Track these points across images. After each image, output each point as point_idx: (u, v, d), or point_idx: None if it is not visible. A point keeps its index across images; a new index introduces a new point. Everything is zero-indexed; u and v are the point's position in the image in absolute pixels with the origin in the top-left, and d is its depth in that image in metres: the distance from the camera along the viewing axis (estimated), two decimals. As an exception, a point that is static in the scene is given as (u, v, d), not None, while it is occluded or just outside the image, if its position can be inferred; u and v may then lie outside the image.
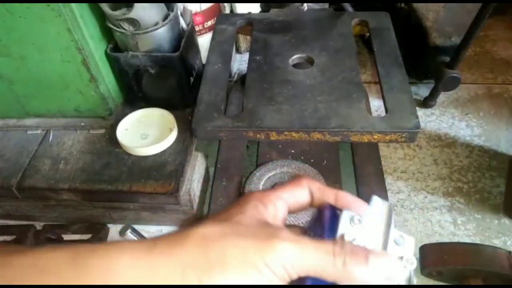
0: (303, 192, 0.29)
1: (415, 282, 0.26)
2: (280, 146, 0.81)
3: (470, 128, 0.97)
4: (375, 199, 0.28)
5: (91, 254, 0.23)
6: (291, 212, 0.30)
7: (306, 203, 0.30)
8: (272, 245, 0.23)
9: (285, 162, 0.76)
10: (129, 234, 0.57)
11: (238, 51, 1.18)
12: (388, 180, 0.87)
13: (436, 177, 0.87)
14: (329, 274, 0.24)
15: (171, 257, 0.23)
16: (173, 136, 0.78)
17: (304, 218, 0.66)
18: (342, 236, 0.26)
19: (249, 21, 0.82)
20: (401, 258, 0.25)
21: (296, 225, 0.32)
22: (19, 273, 0.22)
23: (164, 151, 0.76)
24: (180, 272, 0.23)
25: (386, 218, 0.27)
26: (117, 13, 0.69)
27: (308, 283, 0.24)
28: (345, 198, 0.29)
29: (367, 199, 0.29)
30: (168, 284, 0.22)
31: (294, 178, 0.30)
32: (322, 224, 0.28)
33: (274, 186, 0.73)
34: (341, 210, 0.28)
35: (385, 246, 0.26)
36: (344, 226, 0.26)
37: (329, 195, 0.29)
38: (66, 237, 0.77)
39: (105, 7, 0.69)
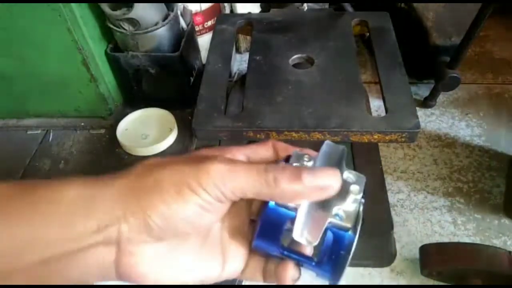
0: (265, 150, 0.30)
1: (361, 214, 0.26)
2: (280, 146, 0.81)
3: (470, 128, 0.97)
4: (327, 142, 0.28)
5: (40, 185, 0.24)
6: None
7: (269, 160, 0.30)
8: (205, 166, 0.24)
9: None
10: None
11: (238, 51, 1.18)
12: (388, 180, 0.87)
13: (436, 177, 0.87)
14: (263, 193, 0.24)
15: (113, 187, 0.24)
16: (173, 136, 0.78)
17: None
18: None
19: (249, 21, 0.82)
20: (348, 192, 0.26)
21: None
22: None
23: (164, 151, 0.76)
24: (121, 198, 0.23)
25: (337, 158, 0.28)
26: (117, 13, 0.70)
27: (267, 210, 0.25)
28: (308, 150, 0.29)
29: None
30: (106, 208, 0.23)
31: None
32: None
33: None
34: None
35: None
36: (292, 162, 0.27)
37: (290, 148, 0.30)
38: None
39: (105, 7, 0.69)
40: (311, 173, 0.24)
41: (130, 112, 0.81)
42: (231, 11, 1.05)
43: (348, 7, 0.82)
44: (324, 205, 0.25)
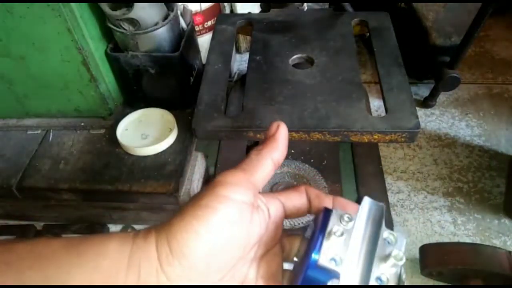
0: (299, 197, 0.30)
1: (404, 278, 0.26)
2: (280, 146, 0.81)
3: (470, 128, 0.97)
4: (366, 199, 0.28)
5: (83, 241, 0.25)
6: (289, 216, 0.30)
7: (303, 208, 0.30)
8: (215, 184, 0.26)
9: (285, 162, 0.76)
10: (129, 234, 0.57)
11: (238, 51, 1.18)
12: (388, 180, 0.87)
13: (436, 177, 0.87)
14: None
15: (150, 243, 0.24)
16: (173, 136, 0.78)
17: (303, 220, 0.66)
18: (331, 231, 0.26)
19: (249, 21, 0.82)
20: (389, 255, 0.26)
21: (297, 234, 0.32)
22: (16, 257, 0.23)
23: (164, 151, 0.76)
24: (158, 250, 0.24)
25: (377, 217, 0.28)
26: (117, 13, 0.70)
27: (308, 271, 0.25)
28: (341, 202, 0.30)
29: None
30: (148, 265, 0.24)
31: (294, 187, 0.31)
32: (315, 226, 0.28)
33: (274, 186, 0.73)
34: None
35: (374, 244, 0.26)
36: (333, 223, 0.27)
37: (327, 201, 0.30)
38: (66, 237, 0.77)
39: (105, 7, 0.69)
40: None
41: (130, 112, 0.81)
42: (231, 11, 1.05)
43: (348, 7, 0.82)
44: (366, 268, 0.25)
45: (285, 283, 0.30)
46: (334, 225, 0.27)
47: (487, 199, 0.83)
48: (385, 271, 0.26)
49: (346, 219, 0.27)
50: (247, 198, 0.26)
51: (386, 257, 0.26)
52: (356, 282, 0.25)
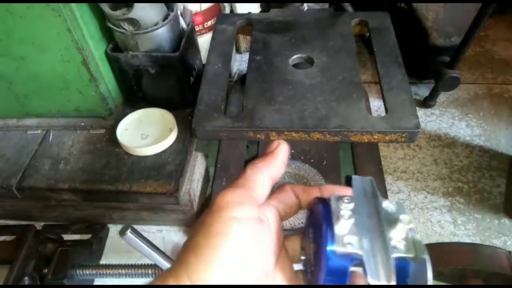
0: (288, 196, 0.31)
1: (419, 239, 0.26)
2: (280, 146, 0.81)
3: (470, 128, 0.97)
4: (355, 177, 0.28)
5: None
6: (284, 218, 0.30)
7: (294, 206, 0.31)
8: (215, 202, 0.25)
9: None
10: (129, 234, 0.57)
11: (238, 51, 1.18)
12: (388, 180, 0.87)
13: (436, 177, 0.87)
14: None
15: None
16: (173, 136, 0.78)
17: (299, 216, 0.66)
18: (338, 217, 0.26)
19: (249, 21, 0.82)
20: (396, 222, 0.26)
21: (295, 233, 0.32)
22: None
23: (164, 151, 0.76)
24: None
25: (371, 191, 0.28)
26: (117, 13, 0.69)
27: (327, 259, 0.25)
28: (329, 189, 0.30)
29: None
30: None
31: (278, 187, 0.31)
32: (317, 218, 0.28)
33: (274, 186, 0.73)
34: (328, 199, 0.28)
35: (379, 216, 0.26)
36: (337, 208, 0.27)
37: (314, 191, 0.30)
38: (66, 237, 0.77)
39: (105, 7, 0.69)
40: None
41: (130, 112, 0.81)
42: (231, 11, 1.05)
43: (348, 7, 0.82)
44: (382, 242, 0.26)
45: (302, 283, 0.29)
46: (338, 209, 0.27)
47: (487, 199, 0.83)
48: (398, 240, 0.26)
49: (346, 201, 0.27)
50: (253, 214, 0.26)
51: (394, 225, 0.26)
52: (379, 257, 0.25)
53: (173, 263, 0.25)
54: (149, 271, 0.68)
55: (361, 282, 0.26)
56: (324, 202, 0.28)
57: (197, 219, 0.28)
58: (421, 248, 0.26)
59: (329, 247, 0.25)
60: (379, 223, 0.26)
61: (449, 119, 0.99)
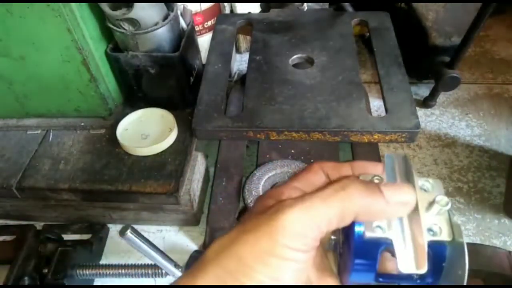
0: (317, 176, 0.28)
1: (456, 221, 0.25)
2: (280, 146, 0.81)
3: (470, 128, 0.97)
4: (387, 155, 0.27)
5: None
6: None
7: (323, 185, 0.28)
8: (275, 222, 0.22)
9: (285, 162, 0.76)
10: (129, 234, 0.57)
11: (238, 51, 1.18)
12: (388, 180, 0.87)
13: (436, 177, 0.87)
14: (348, 214, 0.22)
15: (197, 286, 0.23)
16: (173, 136, 0.78)
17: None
18: None
19: (249, 21, 0.82)
20: (432, 203, 0.24)
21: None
22: None
23: (164, 151, 0.76)
24: None
25: (405, 169, 0.26)
26: (117, 13, 0.70)
27: (355, 244, 0.23)
28: (361, 165, 0.28)
29: None
30: None
31: (305, 167, 0.29)
32: None
33: (274, 186, 0.73)
34: None
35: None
36: None
37: (345, 169, 0.28)
38: (66, 237, 0.77)
39: (105, 7, 0.69)
40: (390, 189, 0.23)
41: (130, 112, 0.81)
42: (231, 11, 1.05)
43: (348, 7, 0.82)
44: (414, 226, 0.24)
45: (332, 265, 0.28)
46: None
47: (487, 199, 0.83)
48: (434, 221, 0.24)
49: (376, 181, 0.25)
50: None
51: (429, 207, 0.24)
52: (409, 242, 0.23)
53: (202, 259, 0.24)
54: (149, 271, 0.68)
55: (390, 265, 0.25)
56: None
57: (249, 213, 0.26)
58: (459, 231, 0.24)
59: (357, 230, 0.24)
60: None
61: (449, 119, 0.99)
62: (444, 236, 0.24)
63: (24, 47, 0.71)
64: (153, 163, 0.75)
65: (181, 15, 0.82)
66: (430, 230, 0.24)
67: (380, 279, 0.25)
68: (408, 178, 0.25)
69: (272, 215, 0.22)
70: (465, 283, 0.23)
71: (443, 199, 0.24)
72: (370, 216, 0.23)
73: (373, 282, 0.25)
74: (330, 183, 0.24)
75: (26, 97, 0.80)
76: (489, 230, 0.78)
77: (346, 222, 0.23)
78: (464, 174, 0.87)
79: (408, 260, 0.23)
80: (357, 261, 0.24)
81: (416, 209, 0.24)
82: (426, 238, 0.23)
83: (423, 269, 0.23)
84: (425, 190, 0.25)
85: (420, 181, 0.25)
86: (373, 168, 0.27)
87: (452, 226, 0.24)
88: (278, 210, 0.22)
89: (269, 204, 0.25)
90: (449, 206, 0.24)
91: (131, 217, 0.79)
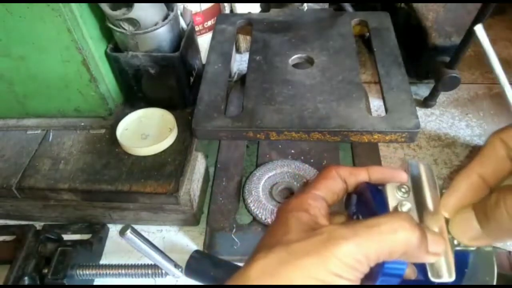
0: (336, 183, 0.29)
1: None
2: (280, 146, 0.81)
3: (470, 128, 0.97)
4: (411, 163, 0.27)
5: None
6: (331, 205, 0.29)
7: (342, 191, 0.29)
8: (329, 252, 0.22)
9: (285, 162, 0.76)
10: (129, 234, 0.57)
11: (238, 51, 1.18)
12: (388, 180, 0.87)
13: (436, 177, 0.87)
14: (395, 255, 0.23)
15: None
16: (173, 136, 0.78)
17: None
18: (396, 208, 0.25)
19: (249, 21, 0.82)
20: None
21: (340, 212, 0.31)
22: None
23: (164, 151, 0.76)
24: None
25: (429, 178, 0.26)
26: (117, 13, 0.70)
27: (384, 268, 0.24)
28: (379, 171, 0.28)
29: None
30: None
31: (321, 171, 0.29)
32: (368, 204, 0.27)
33: (274, 186, 0.73)
34: (381, 185, 0.27)
35: (437, 207, 0.25)
36: (393, 198, 0.25)
37: (362, 174, 0.28)
38: (66, 237, 0.77)
39: (105, 7, 0.69)
40: (431, 239, 0.24)
41: (130, 112, 0.81)
42: (231, 11, 1.05)
43: (348, 7, 0.82)
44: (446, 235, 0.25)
45: None
46: (397, 200, 0.25)
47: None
48: None
49: (403, 190, 0.25)
50: None
51: None
52: (443, 256, 0.24)
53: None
54: (149, 271, 0.68)
55: (408, 272, 0.25)
56: (376, 189, 0.27)
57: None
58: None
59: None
60: (438, 215, 0.25)
61: (449, 119, 0.99)
62: (467, 245, 0.24)
63: (24, 47, 0.71)
64: (153, 163, 0.75)
65: (181, 15, 0.82)
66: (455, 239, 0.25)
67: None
68: (433, 188, 0.26)
69: (326, 243, 0.23)
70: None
71: None
72: (407, 258, 0.24)
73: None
74: (383, 217, 0.24)
75: (26, 97, 0.80)
76: (489, 230, 0.78)
77: (390, 259, 0.24)
78: (464, 174, 0.87)
79: (440, 270, 0.24)
80: (387, 264, 0.24)
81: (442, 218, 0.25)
82: (453, 247, 0.24)
83: (453, 278, 0.23)
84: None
85: (444, 190, 0.26)
86: (392, 175, 0.28)
87: None
88: (332, 239, 0.23)
89: (304, 220, 0.26)
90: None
91: (131, 217, 0.79)
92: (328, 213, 0.28)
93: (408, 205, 0.25)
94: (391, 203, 0.25)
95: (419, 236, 0.23)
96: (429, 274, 0.24)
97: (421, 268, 0.25)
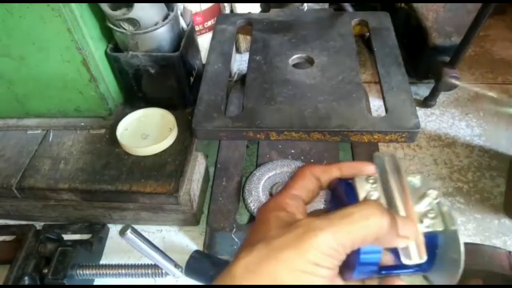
0: (310, 182, 0.30)
1: (446, 209, 0.27)
2: (280, 146, 0.81)
3: (470, 128, 0.97)
4: (376, 154, 0.29)
5: None
6: (308, 203, 0.30)
7: (316, 189, 0.31)
8: (307, 244, 0.24)
9: (285, 162, 0.76)
10: (129, 234, 0.57)
11: (238, 51, 1.18)
12: (388, 180, 0.87)
13: (436, 177, 0.87)
14: (368, 241, 0.25)
15: None
16: (173, 136, 0.78)
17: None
18: (365, 198, 0.26)
19: (249, 21, 0.82)
20: (423, 197, 0.26)
21: (318, 210, 0.33)
22: None
23: (164, 151, 0.76)
24: None
25: (395, 166, 0.28)
26: (117, 13, 0.70)
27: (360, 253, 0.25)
28: (350, 166, 0.30)
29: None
30: None
31: (296, 171, 0.31)
32: (341, 198, 0.28)
33: (274, 186, 0.73)
34: (351, 179, 0.28)
35: (405, 192, 0.27)
36: (362, 190, 0.27)
37: (334, 171, 0.30)
38: (66, 237, 0.77)
39: (105, 7, 0.69)
40: (401, 223, 0.25)
41: (130, 112, 0.81)
42: (231, 11, 1.05)
43: (348, 7, 0.82)
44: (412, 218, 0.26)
45: None
46: (366, 190, 0.27)
47: (487, 199, 0.83)
48: (426, 213, 0.26)
49: (371, 181, 0.27)
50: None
51: (420, 200, 0.26)
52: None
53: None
54: (149, 271, 0.68)
55: (385, 258, 0.27)
56: (347, 183, 0.28)
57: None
58: (451, 220, 0.26)
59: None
60: (405, 199, 0.26)
61: (449, 119, 0.99)
62: (436, 226, 0.26)
63: (24, 47, 0.71)
64: (153, 163, 0.75)
65: (181, 15, 0.82)
66: (422, 221, 0.26)
67: (383, 272, 0.27)
68: (398, 176, 0.27)
69: (303, 236, 0.24)
70: (461, 266, 0.25)
71: (432, 192, 0.27)
72: (380, 243, 0.26)
73: (376, 275, 0.27)
74: (354, 206, 0.25)
75: (26, 97, 0.80)
76: (489, 230, 0.78)
77: (364, 245, 0.25)
78: (464, 174, 0.87)
79: (411, 252, 0.25)
80: (362, 255, 0.25)
81: (409, 203, 0.26)
82: (422, 230, 0.26)
83: (424, 259, 0.25)
84: (414, 187, 0.28)
85: (409, 178, 0.28)
86: (362, 168, 0.30)
87: (443, 215, 0.26)
88: (308, 231, 0.24)
89: (283, 217, 0.27)
90: (440, 198, 0.27)
91: (131, 217, 0.79)
92: (306, 210, 0.29)
93: (376, 194, 0.27)
94: (361, 194, 0.27)
95: (389, 220, 0.24)
96: (402, 257, 0.25)
97: (397, 254, 0.27)
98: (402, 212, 0.26)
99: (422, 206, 0.26)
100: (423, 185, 0.28)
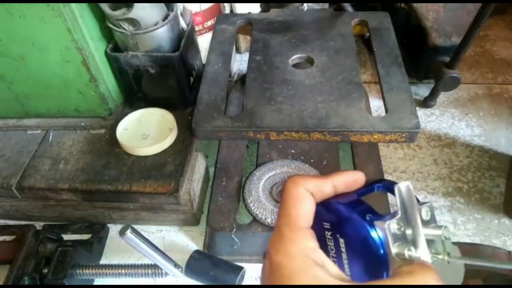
0: (312, 203, 0.29)
1: (449, 244, 0.27)
2: (280, 146, 0.81)
3: (470, 128, 0.97)
4: (399, 186, 0.27)
5: None
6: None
7: (314, 209, 0.29)
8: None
9: (285, 162, 0.76)
10: (129, 234, 0.57)
11: (238, 51, 1.18)
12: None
13: (436, 177, 0.87)
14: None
15: None
16: (173, 136, 0.78)
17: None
18: (401, 254, 0.26)
19: (249, 21, 0.82)
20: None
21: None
22: None
23: (164, 151, 0.76)
24: None
25: (412, 200, 0.27)
26: (117, 13, 0.70)
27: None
28: (343, 184, 0.30)
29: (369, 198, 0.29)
30: None
31: (289, 187, 0.29)
32: (348, 229, 0.28)
33: (274, 186, 0.73)
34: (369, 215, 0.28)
35: (419, 230, 0.26)
36: (392, 239, 0.26)
37: (327, 187, 0.29)
38: (66, 237, 0.77)
39: (105, 7, 0.69)
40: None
41: (130, 112, 0.81)
42: (231, 11, 1.05)
43: (348, 7, 0.82)
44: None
45: None
46: (395, 238, 0.26)
47: (487, 199, 0.83)
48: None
49: (397, 226, 0.27)
50: None
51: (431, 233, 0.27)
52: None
53: None
54: (149, 271, 0.68)
55: None
56: (352, 209, 0.28)
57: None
58: (454, 253, 0.26)
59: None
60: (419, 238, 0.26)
61: (449, 119, 0.99)
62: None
63: (24, 47, 0.71)
64: (153, 163, 0.75)
65: (181, 15, 0.82)
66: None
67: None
68: (415, 208, 0.27)
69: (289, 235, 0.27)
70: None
71: (446, 230, 0.27)
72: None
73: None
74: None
75: (26, 97, 0.80)
76: (489, 230, 0.78)
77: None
78: (464, 174, 0.87)
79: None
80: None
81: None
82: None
83: None
84: (423, 220, 0.27)
85: (422, 211, 0.27)
86: (355, 185, 0.30)
87: (445, 248, 0.27)
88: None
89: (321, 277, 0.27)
90: (446, 234, 0.27)
91: (131, 217, 0.79)
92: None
93: (423, 255, 0.25)
94: (393, 250, 0.26)
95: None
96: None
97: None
98: (425, 257, 0.25)
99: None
100: (430, 220, 0.27)
